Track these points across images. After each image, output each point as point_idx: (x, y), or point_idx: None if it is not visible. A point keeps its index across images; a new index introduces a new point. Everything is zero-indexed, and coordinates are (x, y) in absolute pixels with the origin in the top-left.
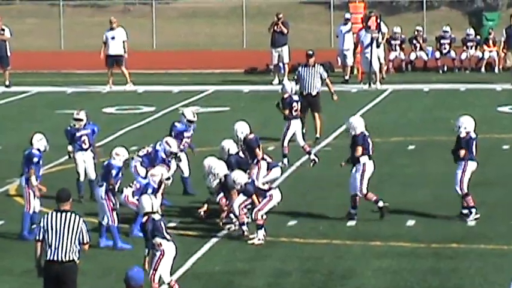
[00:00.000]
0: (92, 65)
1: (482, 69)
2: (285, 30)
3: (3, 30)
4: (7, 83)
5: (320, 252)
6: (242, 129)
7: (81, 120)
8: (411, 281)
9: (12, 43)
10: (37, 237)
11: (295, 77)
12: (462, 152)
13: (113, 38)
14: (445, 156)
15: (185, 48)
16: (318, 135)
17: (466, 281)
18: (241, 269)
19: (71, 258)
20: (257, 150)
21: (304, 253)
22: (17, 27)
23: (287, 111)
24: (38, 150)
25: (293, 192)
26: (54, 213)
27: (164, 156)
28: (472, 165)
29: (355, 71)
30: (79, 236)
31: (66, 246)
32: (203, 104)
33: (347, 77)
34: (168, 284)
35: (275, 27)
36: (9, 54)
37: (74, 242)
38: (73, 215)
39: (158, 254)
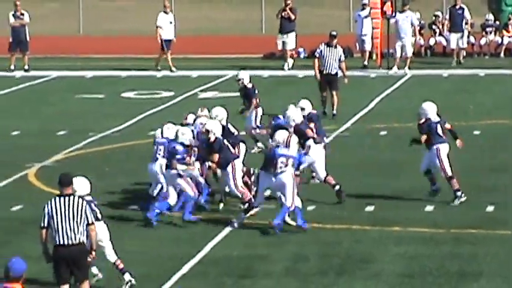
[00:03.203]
0: (110, 49)
1: (502, 54)
2: (293, 17)
3: (22, 14)
4: (26, 67)
5: (338, 237)
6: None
7: None
8: (429, 267)
9: (31, 28)
10: (42, 224)
11: (317, 56)
12: (423, 138)
13: (170, 22)
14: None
15: (204, 33)
16: (334, 111)
17: (485, 266)
18: (260, 254)
19: (80, 241)
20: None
21: (322, 238)
22: (36, 11)
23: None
24: (182, 144)
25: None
26: (57, 198)
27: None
28: (444, 148)
29: (374, 56)
30: (84, 217)
31: (73, 229)
32: (222, 88)
33: (366, 63)
34: (114, 263)
35: (283, 14)
36: (28, 38)
37: (81, 224)
38: (76, 198)
39: None
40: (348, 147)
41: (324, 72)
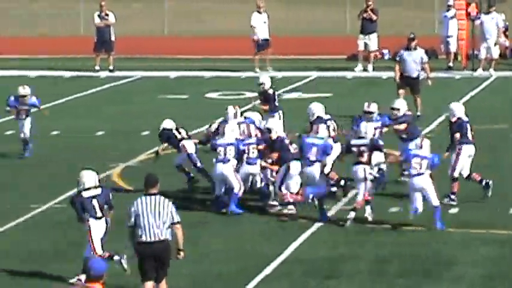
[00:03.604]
0: (194, 50)
1: None
2: (374, 18)
3: (107, 15)
4: (111, 67)
5: (422, 238)
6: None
7: None
8: None
9: (116, 28)
10: (129, 224)
11: (397, 59)
12: (457, 135)
13: (264, 22)
14: None
15: (287, 34)
16: (419, 113)
17: None
18: (344, 255)
19: (164, 238)
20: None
21: (406, 239)
22: (122, 12)
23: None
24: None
25: (394, 178)
26: (144, 198)
27: None
28: (467, 149)
29: (459, 58)
30: (169, 216)
31: (159, 227)
32: (305, 90)
33: (451, 64)
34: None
35: (364, 14)
36: (113, 39)
37: (165, 223)
38: (161, 197)
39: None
40: (432, 148)
41: (405, 75)
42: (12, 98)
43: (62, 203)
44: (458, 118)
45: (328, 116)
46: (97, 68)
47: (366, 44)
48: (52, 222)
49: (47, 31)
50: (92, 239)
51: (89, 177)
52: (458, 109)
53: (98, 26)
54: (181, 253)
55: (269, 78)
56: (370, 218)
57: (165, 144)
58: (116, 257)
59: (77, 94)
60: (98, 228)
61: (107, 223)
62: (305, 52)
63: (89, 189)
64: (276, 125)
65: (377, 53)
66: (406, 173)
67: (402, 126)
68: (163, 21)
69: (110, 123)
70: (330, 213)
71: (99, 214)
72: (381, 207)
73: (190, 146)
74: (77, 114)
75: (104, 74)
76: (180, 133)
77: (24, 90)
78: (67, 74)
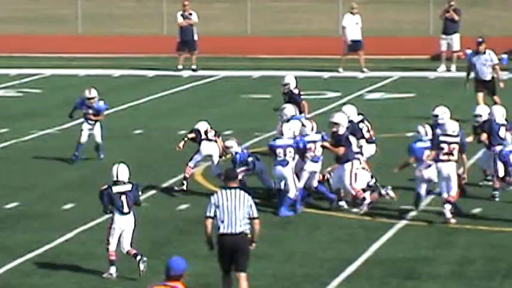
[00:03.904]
0: (278, 50)
1: None
2: (456, 18)
3: (190, 14)
4: (194, 67)
5: (505, 240)
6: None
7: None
8: None
9: (200, 27)
10: (208, 214)
11: (469, 64)
12: (484, 136)
13: (356, 23)
14: None
15: (371, 35)
16: None
17: None
18: (425, 256)
19: (243, 231)
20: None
21: (489, 241)
22: (205, 12)
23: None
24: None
25: (476, 179)
26: (223, 191)
27: None
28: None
29: None
30: (248, 210)
31: (237, 220)
32: (388, 90)
33: None
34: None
35: (446, 14)
36: (196, 38)
37: (244, 216)
38: (241, 191)
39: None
40: None
41: (478, 79)
42: (79, 100)
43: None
44: (489, 119)
45: (360, 118)
46: (180, 67)
47: (448, 44)
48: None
49: (131, 30)
50: (109, 233)
51: (122, 172)
52: (483, 112)
53: (181, 25)
54: (253, 245)
55: (294, 79)
56: (452, 220)
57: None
58: (139, 257)
59: (160, 93)
60: (122, 223)
61: (135, 218)
62: (388, 52)
63: (119, 183)
64: (343, 120)
65: (460, 53)
66: (489, 177)
67: (483, 137)
68: (246, 21)
69: (192, 122)
70: (412, 214)
71: (125, 210)
72: (463, 209)
73: (206, 147)
74: (159, 113)
75: (186, 73)
76: (206, 134)
77: (91, 93)
78: (150, 73)
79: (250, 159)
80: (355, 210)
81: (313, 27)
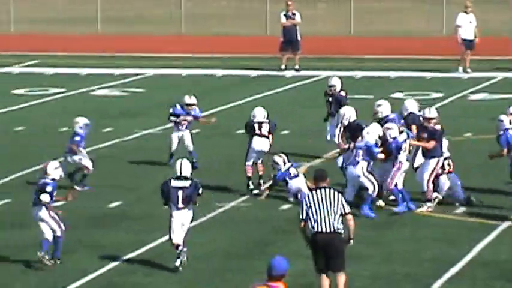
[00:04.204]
0: (380, 50)
1: None
2: None
3: (294, 14)
4: (296, 67)
5: None
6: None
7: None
8: None
9: (303, 27)
10: (301, 217)
11: None
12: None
13: (470, 22)
14: None
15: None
16: None
17: None
18: None
19: (337, 229)
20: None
21: None
22: (308, 12)
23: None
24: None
25: None
26: (314, 191)
27: None
28: None
29: None
30: (340, 207)
31: (330, 219)
32: (491, 90)
33: None
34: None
35: None
36: (299, 38)
37: (336, 214)
38: (332, 189)
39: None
40: None
41: None
42: (178, 107)
43: (246, 202)
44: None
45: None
46: (283, 67)
47: None
48: (235, 220)
49: (234, 30)
50: (170, 227)
51: (185, 168)
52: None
53: (284, 25)
54: (351, 242)
55: (339, 81)
56: None
57: None
58: (185, 249)
59: (263, 93)
60: (179, 217)
61: (193, 214)
62: (491, 53)
63: (180, 178)
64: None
65: None
66: None
67: None
68: (349, 21)
69: (294, 123)
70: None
71: (180, 205)
72: None
73: (257, 143)
74: None
75: (289, 73)
76: (259, 128)
77: (191, 99)
78: (253, 73)
79: (288, 179)
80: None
81: (416, 27)
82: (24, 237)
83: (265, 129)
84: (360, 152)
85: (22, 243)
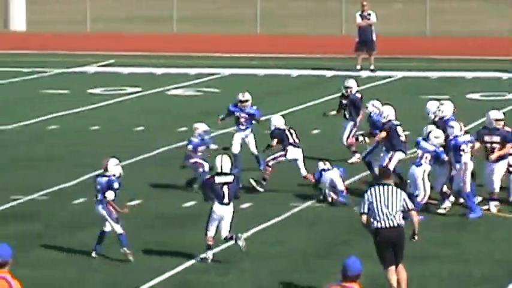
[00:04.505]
0: (456, 50)
1: None
2: None
3: (369, 14)
4: (372, 67)
5: None
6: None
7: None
8: None
9: (378, 27)
10: (362, 211)
11: None
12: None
13: None
14: None
15: None
16: None
17: None
18: None
19: (399, 224)
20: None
21: None
22: (383, 12)
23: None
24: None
25: None
26: (377, 187)
27: None
28: None
29: None
30: (402, 203)
31: (393, 214)
32: None
33: None
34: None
35: None
36: (374, 38)
37: (398, 211)
38: (394, 187)
39: None
40: None
41: None
42: (231, 106)
43: (321, 202)
44: None
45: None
46: (358, 67)
47: None
48: (309, 221)
49: (309, 30)
50: (209, 221)
51: (226, 163)
52: None
53: (359, 25)
54: (416, 237)
55: (356, 83)
56: None
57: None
58: (234, 237)
59: (338, 94)
60: (221, 212)
61: (234, 209)
62: None
63: (222, 174)
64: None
65: None
66: None
67: None
68: (425, 21)
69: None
70: None
71: (226, 200)
72: None
73: (293, 152)
74: None
75: (365, 73)
76: (291, 135)
77: (244, 96)
78: (328, 73)
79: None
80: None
81: (492, 28)
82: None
83: (296, 139)
84: (428, 156)
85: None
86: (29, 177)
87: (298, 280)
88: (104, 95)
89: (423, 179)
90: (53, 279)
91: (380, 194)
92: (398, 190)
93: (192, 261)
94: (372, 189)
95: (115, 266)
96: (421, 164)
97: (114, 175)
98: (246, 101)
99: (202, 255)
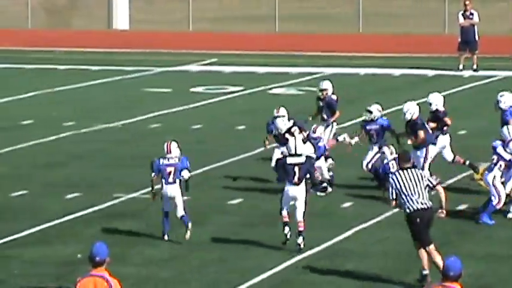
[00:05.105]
0: None
1: None
2: None
3: (471, 14)
4: (474, 67)
5: None
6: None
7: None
8: None
9: (481, 27)
10: (391, 197)
11: None
12: None
13: None
14: None
15: None
16: None
17: None
18: None
19: (429, 205)
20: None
21: None
22: (486, 11)
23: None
24: None
25: None
26: (400, 171)
27: None
28: None
29: None
30: (427, 182)
31: (420, 195)
32: None
33: None
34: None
35: None
36: (477, 38)
37: (425, 190)
38: (414, 169)
39: None
40: None
41: None
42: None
43: None
44: None
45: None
46: (460, 67)
47: None
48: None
49: (411, 29)
50: (282, 200)
51: (299, 145)
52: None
53: (462, 25)
54: (444, 212)
55: (331, 84)
56: None
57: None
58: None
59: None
60: (292, 193)
61: (307, 192)
62: None
63: (294, 155)
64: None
65: None
66: None
67: None
68: None
69: (471, 123)
70: None
71: (296, 180)
72: None
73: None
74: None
75: (467, 73)
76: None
77: (279, 111)
78: (430, 72)
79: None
80: None
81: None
82: (201, 233)
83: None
84: (502, 164)
85: (198, 240)
86: (130, 176)
87: (398, 279)
88: (206, 93)
89: (494, 184)
90: (155, 278)
91: (407, 178)
92: (420, 171)
93: (294, 260)
94: (396, 173)
95: (214, 265)
96: (492, 170)
97: (177, 157)
98: (281, 116)
99: (286, 231)
